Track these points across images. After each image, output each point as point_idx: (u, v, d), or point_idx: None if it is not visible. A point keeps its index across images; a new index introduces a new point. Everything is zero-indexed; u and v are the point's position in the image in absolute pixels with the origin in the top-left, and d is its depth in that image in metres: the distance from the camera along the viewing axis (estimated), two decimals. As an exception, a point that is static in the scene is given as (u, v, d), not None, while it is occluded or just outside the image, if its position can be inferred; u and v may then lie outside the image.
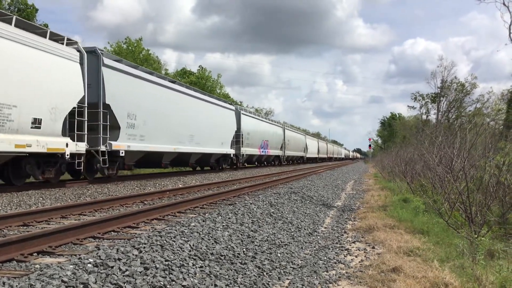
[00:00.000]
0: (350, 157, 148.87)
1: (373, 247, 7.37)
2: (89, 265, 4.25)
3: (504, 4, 32.00)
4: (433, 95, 52.32)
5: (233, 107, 30.03)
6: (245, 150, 31.10)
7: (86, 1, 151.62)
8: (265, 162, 40.88)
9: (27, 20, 13.78)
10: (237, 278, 5.01)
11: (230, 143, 27.99)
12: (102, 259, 4.41)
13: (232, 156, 28.55)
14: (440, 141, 12.05)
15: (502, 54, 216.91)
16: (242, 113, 31.42)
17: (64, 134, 13.45)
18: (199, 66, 54.49)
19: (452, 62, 63.68)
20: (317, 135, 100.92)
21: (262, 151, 36.38)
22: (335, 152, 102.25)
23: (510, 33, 32.21)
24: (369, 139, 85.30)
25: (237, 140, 29.62)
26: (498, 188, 8.86)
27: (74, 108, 13.78)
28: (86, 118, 14.27)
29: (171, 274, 4.50)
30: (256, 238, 6.88)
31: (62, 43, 13.52)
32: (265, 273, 5.45)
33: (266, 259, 6.02)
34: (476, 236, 7.14)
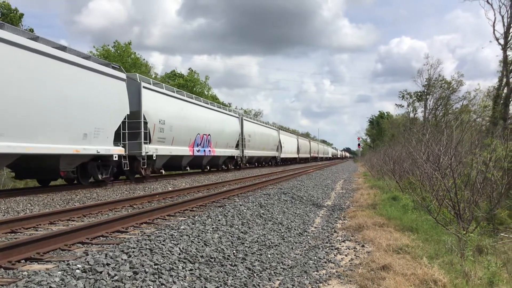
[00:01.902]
0: (339, 156, 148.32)
1: (363, 246, 7.41)
2: (77, 271, 4.21)
3: (488, 2, 32.43)
4: (419, 93, 52.76)
5: (111, 70, 15.78)
6: (155, 149, 18.48)
7: (71, 6, 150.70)
8: (209, 167, 28.01)
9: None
10: (227, 280, 5.00)
11: (106, 135, 15.31)
12: (90, 265, 4.38)
13: (112, 158, 15.58)
14: (427, 138, 12.14)
15: (487, 51, 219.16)
16: (144, 86, 17.91)
17: None
18: (189, 69, 54.18)
19: (438, 60, 64.36)
20: (306, 135, 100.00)
21: (199, 151, 23.86)
22: (321, 151, 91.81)
23: (494, 30, 32.66)
24: (358, 138, 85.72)
25: (133, 131, 17.01)
26: (486, 184, 8.97)
27: None
28: None
29: (161, 278, 4.48)
30: (246, 240, 6.87)
31: None
32: (255, 274, 5.45)
33: (256, 260, 6.02)
34: (464, 232, 7.21)
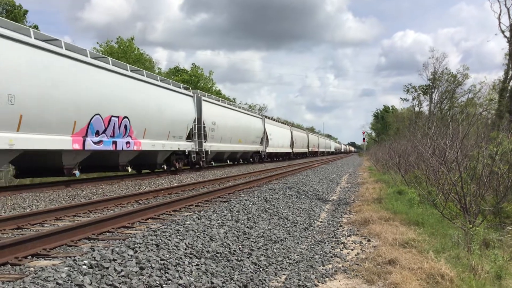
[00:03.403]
0: (343, 150, 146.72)
1: (369, 240, 7.39)
2: (84, 266, 4.22)
3: (493, -6, 32.16)
4: (425, 87, 52.56)
5: None
6: None
7: (74, 2, 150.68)
8: (131, 168, 18.07)
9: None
10: (233, 275, 5.00)
11: None
12: (97, 260, 4.39)
13: None
14: (433, 132, 12.08)
15: (492, 44, 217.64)
16: None
17: None
18: (192, 64, 54.14)
19: (443, 54, 64.20)
20: (311, 129, 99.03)
21: (101, 142, 14.82)
22: (322, 146, 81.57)
23: (500, 23, 32.43)
24: (363, 132, 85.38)
25: None
26: (492, 178, 8.91)
27: None
28: None
29: (167, 273, 4.49)
30: (251, 235, 6.87)
31: None
32: (261, 269, 5.44)
33: (262, 255, 6.02)
34: (471, 226, 7.18)
